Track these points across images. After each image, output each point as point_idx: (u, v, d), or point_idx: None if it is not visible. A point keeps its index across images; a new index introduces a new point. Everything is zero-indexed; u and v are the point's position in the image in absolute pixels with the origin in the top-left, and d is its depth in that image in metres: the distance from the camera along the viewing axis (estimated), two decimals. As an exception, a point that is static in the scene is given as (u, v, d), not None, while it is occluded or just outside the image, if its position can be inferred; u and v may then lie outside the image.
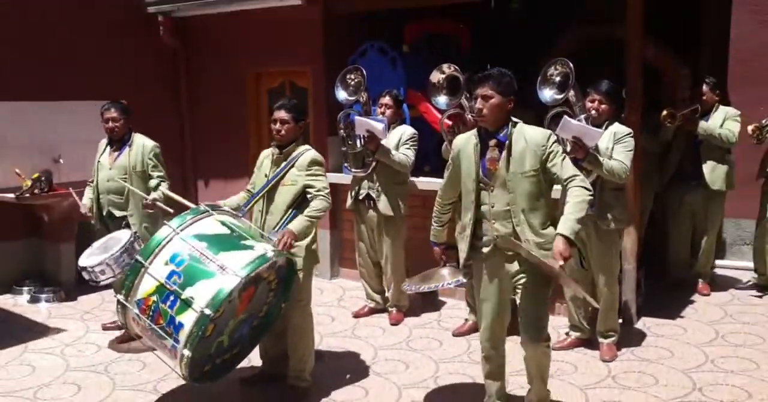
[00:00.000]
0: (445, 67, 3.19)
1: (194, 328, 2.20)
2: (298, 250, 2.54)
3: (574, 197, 2.11)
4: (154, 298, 2.27)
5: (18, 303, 3.96)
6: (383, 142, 3.31)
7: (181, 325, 2.21)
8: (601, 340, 3.00)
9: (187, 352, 2.22)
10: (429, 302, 3.82)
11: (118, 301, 2.36)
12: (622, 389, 2.67)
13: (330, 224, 4.24)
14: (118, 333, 3.30)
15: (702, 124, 3.64)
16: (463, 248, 2.26)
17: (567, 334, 3.15)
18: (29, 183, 3.93)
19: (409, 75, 3.95)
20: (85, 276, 2.70)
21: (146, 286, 2.29)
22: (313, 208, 2.52)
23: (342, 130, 3.55)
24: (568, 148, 2.69)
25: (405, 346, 3.18)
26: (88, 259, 2.70)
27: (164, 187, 3.25)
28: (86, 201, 3.38)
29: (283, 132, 2.59)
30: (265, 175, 2.63)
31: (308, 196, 2.55)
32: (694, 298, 3.77)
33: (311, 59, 4.28)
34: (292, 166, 2.56)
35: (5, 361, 3.08)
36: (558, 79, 2.89)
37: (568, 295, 3.09)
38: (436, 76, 3.21)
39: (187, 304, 2.21)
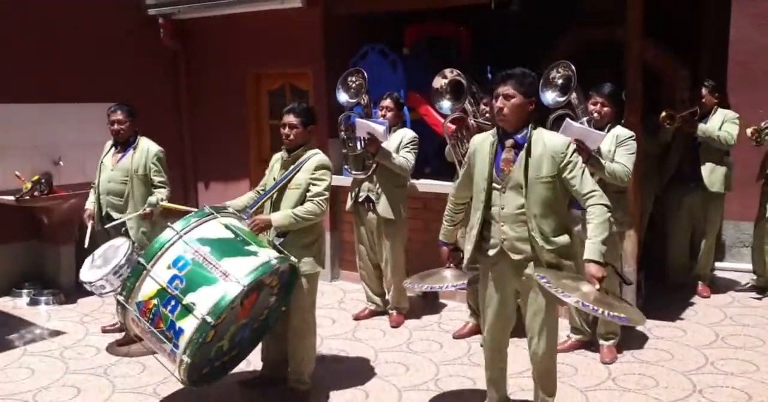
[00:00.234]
0: (447, 72, 3.17)
1: (195, 335, 2.19)
2: (302, 254, 2.53)
3: (597, 217, 2.06)
4: (155, 301, 2.26)
5: (17, 305, 3.95)
6: (384, 144, 3.32)
7: (181, 331, 2.21)
8: (601, 342, 3.01)
9: (186, 359, 2.21)
10: (429, 305, 3.82)
11: (118, 301, 2.35)
12: (622, 391, 2.67)
13: (330, 226, 4.24)
14: (118, 336, 3.29)
15: (701, 126, 3.65)
16: (468, 249, 2.22)
17: (568, 336, 3.15)
18: (29, 185, 3.93)
19: (410, 77, 3.95)
20: (87, 288, 2.71)
21: (147, 288, 2.28)
22: (301, 209, 2.50)
23: (342, 133, 3.55)
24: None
25: (405, 349, 3.18)
26: (88, 273, 2.71)
27: (164, 194, 3.23)
28: (88, 205, 3.37)
29: (291, 136, 2.58)
30: (274, 178, 2.63)
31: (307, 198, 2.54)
32: (694, 300, 3.78)
33: (311, 61, 4.29)
34: (300, 170, 2.56)
35: (4, 363, 3.07)
36: (560, 81, 2.89)
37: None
38: (438, 82, 3.17)
39: (188, 309, 2.20)
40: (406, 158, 3.36)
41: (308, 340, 2.63)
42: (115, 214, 3.28)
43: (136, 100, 3.46)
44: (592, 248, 2.03)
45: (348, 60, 4.09)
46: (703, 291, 3.84)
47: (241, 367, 2.86)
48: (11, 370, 3.00)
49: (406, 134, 3.44)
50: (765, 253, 3.73)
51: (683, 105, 3.88)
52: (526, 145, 2.10)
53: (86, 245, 3.09)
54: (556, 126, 2.83)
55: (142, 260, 2.30)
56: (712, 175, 3.72)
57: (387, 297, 3.62)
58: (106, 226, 3.13)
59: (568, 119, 2.77)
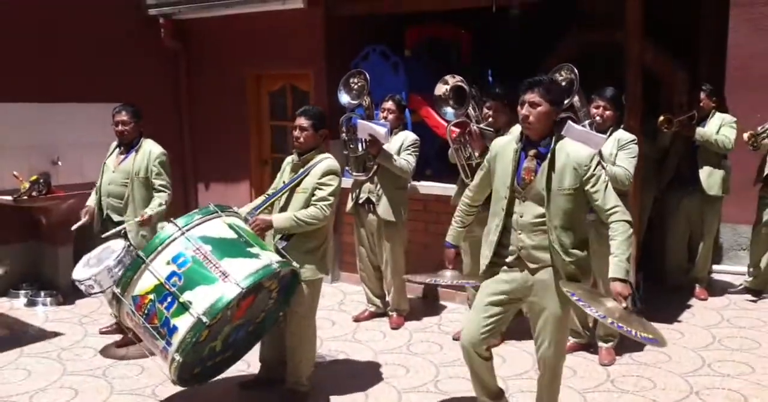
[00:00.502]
0: (448, 78, 3.14)
1: (188, 334, 2.17)
2: (304, 260, 2.52)
3: (621, 234, 2.04)
4: (151, 296, 2.23)
5: (14, 306, 3.93)
6: (385, 146, 3.32)
7: (175, 329, 2.19)
8: (600, 344, 3.02)
9: (178, 357, 2.20)
10: (429, 306, 3.83)
11: (114, 294, 2.33)
12: (620, 393, 2.68)
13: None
14: (117, 337, 3.28)
15: (699, 130, 3.67)
16: (486, 254, 2.17)
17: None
18: (27, 185, 3.91)
19: (411, 79, 3.95)
20: (77, 285, 2.70)
21: (145, 283, 2.26)
22: (304, 212, 2.48)
23: (344, 134, 3.55)
24: None
25: (405, 350, 3.18)
26: (80, 271, 2.70)
27: (164, 198, 3.20)
28: (89, 202, 3.34)
29: (301, 139, 2.57)
30: (284, 181, 2.63)
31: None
32: (692, 302, 3.79)
33: (312, 62, 4.28)
34: (309, 174, 2.54)
35: (1, 365, 3.05)
36: (563, 84, 2.89)
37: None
38: (440, 89, 3.14)
39: (184, 307, 2.18)
40: (407, 160, 3.36)
41: (307, 344, 2.62)
42: (115, 217, 3.27)
43: (136, 100, 3.44)
44: (618, 266, 2.01)
45: (349, 61, 4.09)
46: (700, 293, 3.86)
47: (241, 368, 2.86)
48: (8, 372, 2.98)
49: (408, 136, 3.44)
50: (762, 259, 3.75)
51: (681, 109, 3.91)
52: (549, 155, 2.06)
53: (72, 229, 3.06)
54: (557, 129, 2.83)
55: (141, 254, 2.28)
56: (710, 178, 3.74)
57: (387, 299, 3.61)
58: (103, 235, 3.05)
59: (570, 122, 2.78)
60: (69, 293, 3.99)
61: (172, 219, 2.35)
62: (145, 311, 2.24)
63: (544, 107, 2.06)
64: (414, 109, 3.97)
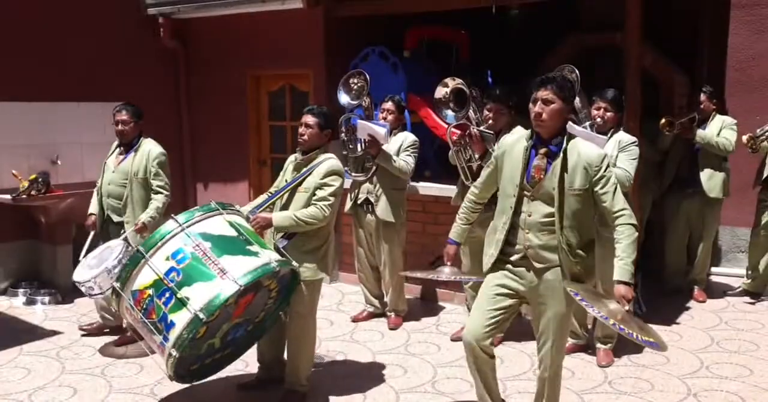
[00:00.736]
0: (448, 80, 3.12)
1: (185, 330, 2.18)
2: (304, 259, 2.51)
3: (627, 237, 2.02)
4: (150, 291, 2.24)
5: (13, 305, 3.93)
6: (384, 147, 3.32)
7: (172, 324, 2.19)
8: (598, 345, 3.02)
9: (175, 352, 2.20)
10: (428, 307, 3.83)
11: (114, 288, 2.33)
12: (618, 394, 2.68)
13: (329, 228, 4.23)
14: (108, 339, 3.26)
15: (699, 132, 3.67)
16: (491, 253, 2.13)
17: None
18: (26, 184, 3.91)
19: (410, 80, 3.95)
20: (79, 287, 2.70)
21: (144, 278, 2.26)
22: (304, 211, 2.48)
23: (343, 134, 3.55)
24: None
25: (403, 351, 3.19)
26: (81, 272, 2.69)
27: (161, 201, 3.17)
28: (93, 209, 3.31)
29: (306, 136, 2.57)
30: (286, 180, 2.62)
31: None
32: (690, 304, 3.80)
33: (312, 62, 4.28)
34: (311, 173, 2.54)
35: (0, 363, 3.05)
36: None
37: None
38: (440, 92, 3.12)
39: (182, 303, 2.18)
40: (406, 161, 3.36)
41: (306, 345, 2.62)
42: (115, 217, 3.26)
43: (135, 99, 3.43)
44: (623, 269, 2.00)
45: (349, 62, 4.09)
46: (698, 295, 3.86)
47: (239, 368, 2.87)
48: (7, 370, 2.98)
49: (407, 137, 3.44)
50: (761, 262, 3.75)
51: (681, 111, 3.91)
52: (562, 155, 2.03)
53: (83, 255, 3.01)
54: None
55: (141, 249, 2.28)
56: (710, 180, 3.74)
57: (385, 299, 3.61)
58: (103, 245, 3.02)
59: (570, 123, 2.78)
60: (68, 292, 4.00)
61: (172, 215, 2.35)
62: (144, 306, 2.25)
63: (558, 104, 2.02)
64: (413, 109, 3.98)
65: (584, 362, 3.00)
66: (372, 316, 3.64)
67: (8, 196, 3.92)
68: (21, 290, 4.04)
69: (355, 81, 3.55)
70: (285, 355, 2.67)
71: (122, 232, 3.16)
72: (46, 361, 3.07)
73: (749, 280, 3.89)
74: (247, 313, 2.45)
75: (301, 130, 2.59)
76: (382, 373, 2.91)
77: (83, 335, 3.40)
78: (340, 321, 3.63)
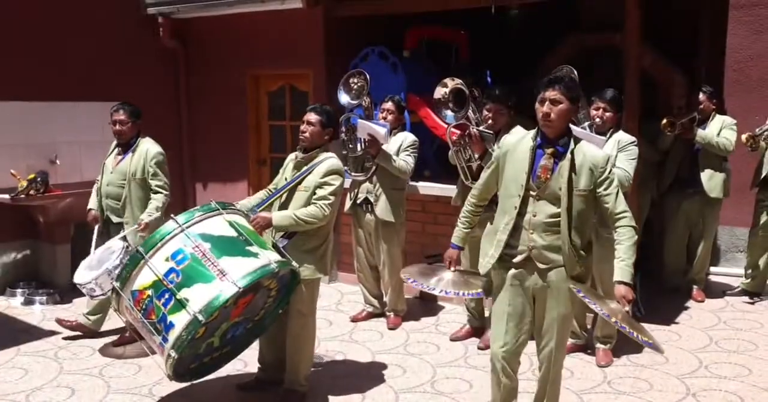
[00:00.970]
0: (448, 81, 3.12)
1: (184, 332, 2.18)
2: (304, 259, 2.51)
3: (627, 239, 2.03)
4: (149, 292, 2.24)
5: (11, 305, 3.92)
6: (384, 147, 3.32)
7: (171, 325, 2.20)
8: (598, 345, 3.02)
9: (174, 353, 2.21)
10: (427, 307, 3.83)
11: (113, 288, 2.33)
12: (617, 394, 2.68)
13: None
14: (106, 340, 3.25)
15: (699, 132, 3.68)
16: (492, 254, 2.11)
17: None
18: (25, 184, 3.90)
19: (410, 80, 3.95)
20: (80, 289, 2.69)
21: (143, 278, 2.27)
22: (303, 211, 2.47)
23: (343, 134, 3.55)
24: None
25: (402, 351, 3.19)
26: (82, 274, 2.68)
27: (160, 200, 3.15)
28: (92, 205, 3.30)
29: (307, 134, 2.56)
30: (286, 178, 2.61)
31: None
32: (689, 304, 3.80)
33: (312, 62, 4.28)
34: (311, 172, 2.53)
35: (-2, 363, 3.06)
36: None
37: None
38: (440, 92, 3.11)
39: (181, 304, 2.19)
40: (406, 161, 3.36)
41: (306, 344, 2.62)
42: (114, 218, 3.24)
43: (134, 99, 3.43)
44: (624, 270, 2.01)
45: (348, 61, 4.09)
46: (697, 295, 3.87)
47: (238, 367, 2.87)
48: (4, 370, 2.97)
49: (407, 137, 3.44)
50: (760, 262, 3.76)
51: (680, 111, 3.91)
52: (570, 156, 2.03)
53: (93, 250, 2.98)
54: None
55: (141, 249, 2.28)
56: (711, 180, 3.74)
57: (384, 299, 3.62)
58: (104, 245, 3.00)
59: (569, 123, 2.79)
60: (66, 292, 3.99)
61: (172, 215, 2.35)
62: (143, 306, 2.25)
63: (566, 105, 2.02)
64: (413, 109, 3.98)
65: (583, 362, 3.00)
66: (371, 315, 3.64)
67: (7, 196, 3.92)
68: (19, 290, 4.03)
69: (355, 81, 3.55)
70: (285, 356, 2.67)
71: (121, 231, 3.16)
72: (44, 362, 3.07)
73: (748, 280, 3.90)
74: (247, 312, 2.45)
75: (303, 127, 2.58)
76: (381, 373, 2.91)
77: (59, 321, 3.37)
78: (340, 321, 3.63)
